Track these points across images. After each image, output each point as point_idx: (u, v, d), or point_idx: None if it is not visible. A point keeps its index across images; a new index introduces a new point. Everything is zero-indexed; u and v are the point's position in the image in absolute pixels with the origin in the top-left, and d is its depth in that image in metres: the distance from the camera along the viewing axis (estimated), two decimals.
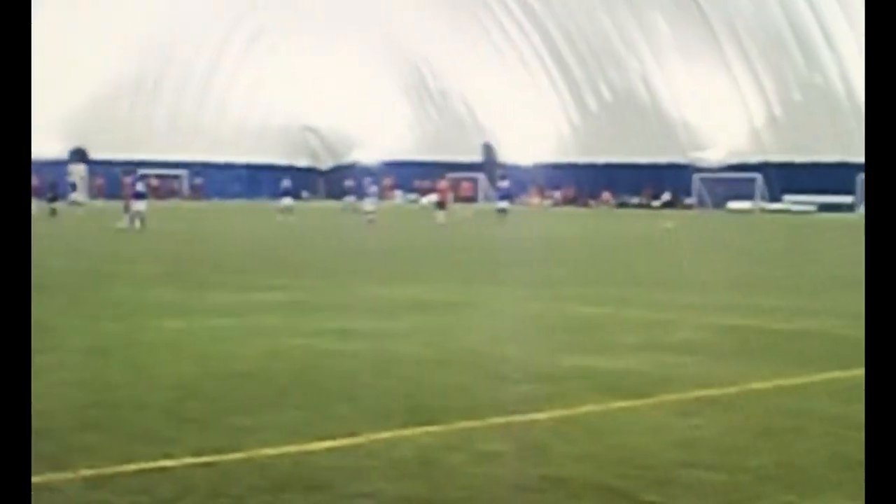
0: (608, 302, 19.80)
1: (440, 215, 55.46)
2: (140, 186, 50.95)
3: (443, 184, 61.22)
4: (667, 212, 59.44)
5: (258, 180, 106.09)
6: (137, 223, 46.79)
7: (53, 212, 58.68)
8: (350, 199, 77.00)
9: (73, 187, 78.15)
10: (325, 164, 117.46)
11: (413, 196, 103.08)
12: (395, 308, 18.20)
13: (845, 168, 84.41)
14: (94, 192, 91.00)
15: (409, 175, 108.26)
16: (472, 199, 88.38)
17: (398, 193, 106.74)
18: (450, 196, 63.35)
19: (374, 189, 65.75)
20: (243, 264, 28.90)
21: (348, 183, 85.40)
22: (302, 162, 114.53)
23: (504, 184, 68.73)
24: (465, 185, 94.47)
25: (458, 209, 66.78)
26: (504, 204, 63.06)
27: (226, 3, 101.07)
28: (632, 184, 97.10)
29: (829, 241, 45.39)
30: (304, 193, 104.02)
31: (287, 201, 63.67)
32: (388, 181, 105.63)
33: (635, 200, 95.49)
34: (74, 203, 70.77)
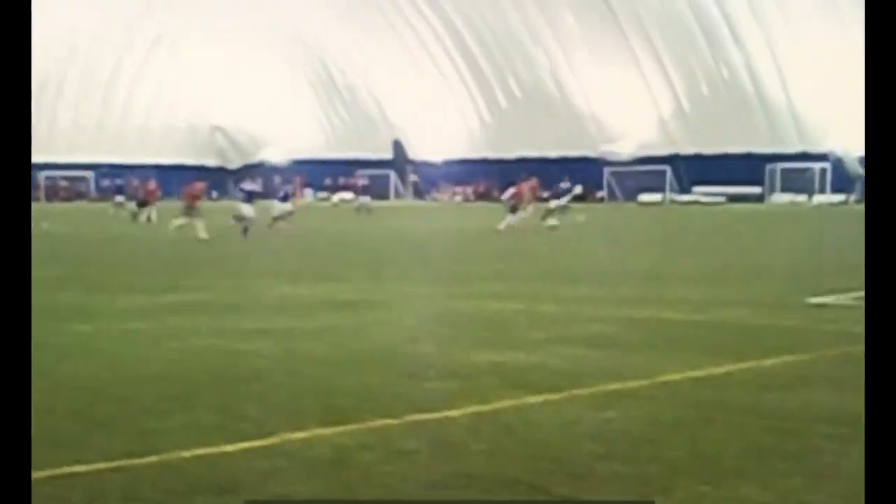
0: (520, 297, 19.87)
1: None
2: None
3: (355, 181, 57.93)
4: (578, 205, 59.82)
5: (167, 181, 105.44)
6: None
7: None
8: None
9: None
10: (234, 163, 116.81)
11: (323, 194, 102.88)
12: (306, 307, 18.18)
13: (753, 159, 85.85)
14: None
15: (319, 173, 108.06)
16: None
17: (308, 192, 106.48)
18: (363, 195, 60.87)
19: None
20: (151, 266, 28.70)
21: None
22: (210, 161, 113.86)
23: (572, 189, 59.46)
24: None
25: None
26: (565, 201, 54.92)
27: (126, 5, 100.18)
28: (542, 178, 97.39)
29: (739, 232, 45.82)
30: (214, 193, 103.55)
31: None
32: (297, 179, 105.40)
33: (546, 195, 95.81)
34: None
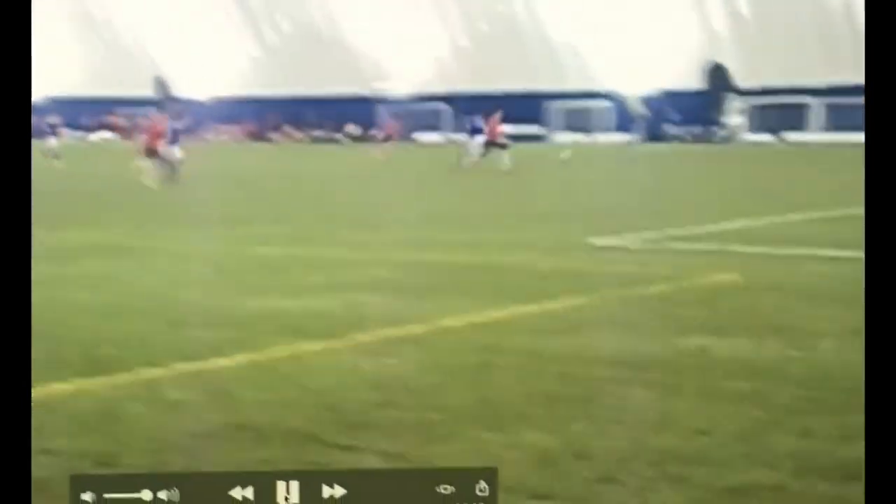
0: (294, 241, 19.85)
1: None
2: None
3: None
4: (353, 145, 59.76)
5: None
6: None
7: None
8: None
9: None
10: None
11: (80, 134, 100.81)
12: (69, 254, 17.85)
13: (532, 98, 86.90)
14: None
15: (75, 112, 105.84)
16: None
17: (66, 132, 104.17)
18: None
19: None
20: None
21: None
22: None
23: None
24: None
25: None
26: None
27: None
28: (316, 117, 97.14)
29: (519, 173, 46.26)
30: None
31: None
32: (53, 119, 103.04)
33: (320, 134, 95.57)
34: None
